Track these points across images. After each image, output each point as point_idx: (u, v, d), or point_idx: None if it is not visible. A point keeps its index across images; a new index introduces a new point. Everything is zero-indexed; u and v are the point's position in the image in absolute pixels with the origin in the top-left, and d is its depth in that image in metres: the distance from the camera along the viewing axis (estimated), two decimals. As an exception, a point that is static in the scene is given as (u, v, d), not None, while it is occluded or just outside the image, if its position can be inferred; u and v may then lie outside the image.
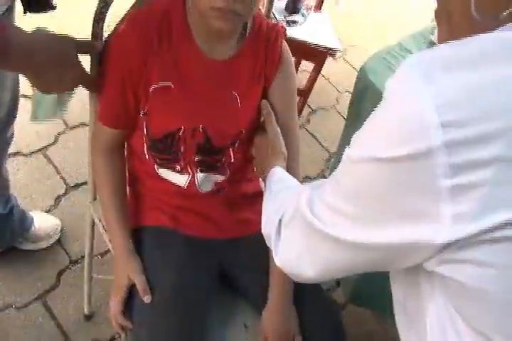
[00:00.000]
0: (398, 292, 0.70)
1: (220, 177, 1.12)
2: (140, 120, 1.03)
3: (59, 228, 1.70)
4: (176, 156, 1.06)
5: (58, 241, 1.70)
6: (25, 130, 1.93)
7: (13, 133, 1.32)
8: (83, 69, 0.91)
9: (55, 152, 1.93)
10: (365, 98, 1.45)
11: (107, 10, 0.93)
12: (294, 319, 1.07)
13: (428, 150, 0.49)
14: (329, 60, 2.31)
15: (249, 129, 1.08)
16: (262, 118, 1.08)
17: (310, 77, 2.33)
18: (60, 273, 1.64)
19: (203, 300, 1.05)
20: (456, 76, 0.50)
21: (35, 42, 0.81)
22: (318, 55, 2.19)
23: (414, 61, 0.53)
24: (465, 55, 0.52)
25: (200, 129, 1.03)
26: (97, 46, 0.96)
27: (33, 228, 1.60)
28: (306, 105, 2.52)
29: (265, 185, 0.96)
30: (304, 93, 2.35)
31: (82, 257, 1.67)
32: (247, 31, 1.01)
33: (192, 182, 1.10)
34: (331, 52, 2.16)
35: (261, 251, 1.04)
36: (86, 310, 1.55)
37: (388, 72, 1.41)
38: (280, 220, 0.75)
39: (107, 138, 1.05)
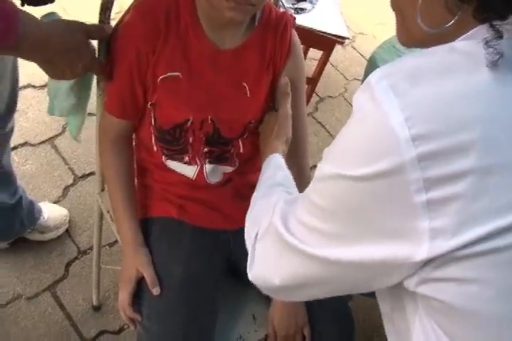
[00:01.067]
0: (384, 305, 0.68)
1: (228, 168, 1.11)
2: (148, 111, 1.02)
3: (67, 219, 1.70)
4: (185, 147, 1.05)
5: (67, 231, 1.70)
6: (34, 120, 1.93)
7: (13, 127, 1.31)
8: (94, 55, 0.91)
9: (63, 142, 1.92)
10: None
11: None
12: (303, 310, 1.06)
13: (400, 166, 0.48)
14: (337, 47, 2.27)
15: (258, 119, 1.07)
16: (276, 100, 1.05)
17: (318, 65, 2.29)
18: (68, 264, 1.64)
19: (212, 291, 1.05)
20: (423, 88, 0.49)
21: (45, 29, 0.80)
22: (326, 43, 2.15)
23: (380, 75, 0.52)
24: (429, 66, 0.51)
25: (209, 120, 1.02)
26: (107, 29, 0.94)
27: (41, 218, 1.60)
28: (314, 93, 2.49)
29: (260, 173, 0.94)
30: (312, 81, 2.31)
31: (91, 248, 1.68)
32: (256, 20, 0.99)
33: (200, 173, 1.09)
34: (339, 40, 2.13)
35: None
36: (94, 301, 1.56)
37: (395, 60, 1.39)
38: (256, 235, 0.73)
39: (115, 128, 1.04)
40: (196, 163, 1.08)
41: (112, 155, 1.06)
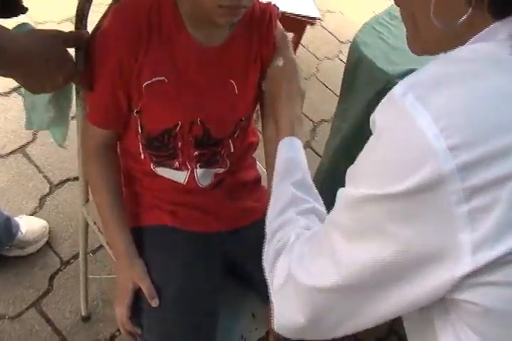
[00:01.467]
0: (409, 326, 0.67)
1: (219, 170, 1.09)
2: (133, 119, 0.98)
3: (47, 230, 1.64)
4: (174, 152, 1.01)
5: (47, 243, 1.64)
6: (1, 130, 1.84)
7: None
8: (74, 64, 0.86)
9: (35, 150, 1.84)
10: (358, 72, 1.41)
11: (90, 4, 0.86)
12: None
13: (440, 178, 0.46)
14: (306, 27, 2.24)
15: (247, 116, 1.05)
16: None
17: (290, 47, 2.27)
18: (52, 277, 1.59)
19: (211, 297, 1.02)
20: (452, 95, 0.47)
21: (22, 42, 0.75)
22: (297, 24, 2.13)
23: (403, 88, 0.50)
24: (452, 72, 0.50)
25: (199, 122, 0.98)
26: (85, 35, 0.89)
27: (19, 234, 1.53)
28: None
29: (277, 162, 0.86)
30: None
31: (74, 257, 1.63)
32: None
33: (191, 178, 1.06)
34: (310, 21, 2.11)
35: (263, 237, 1.03)
36: (83, 311, 1.51)
37: (380, 42, 1.39)
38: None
39: (99, 139, 0.99)
40: (187, 168, 1.04)
41: (98, 166, 1.01)
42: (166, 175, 1.05)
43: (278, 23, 1.02)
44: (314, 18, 2.10)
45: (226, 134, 1.03)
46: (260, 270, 1.09)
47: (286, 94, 0.93)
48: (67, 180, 1.79)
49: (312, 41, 2.79)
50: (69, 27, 2.26)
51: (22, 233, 1.54)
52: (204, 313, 0.99)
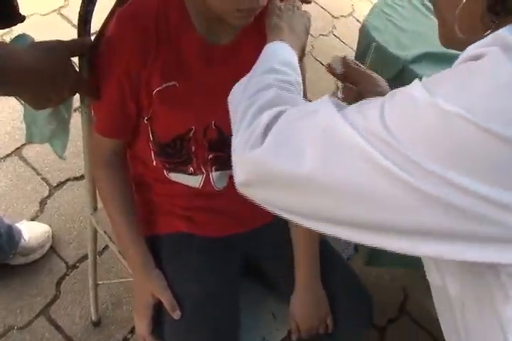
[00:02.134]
0: (451, 287, 0.59)
1: None
2: (143, 126, 0.93)
3: (50, 235, 1.59)
4: (188, 158, 0.98)
5: (51, 247, 1.59)
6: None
7: None
8: (79, 75, 0.81)
9: (31, 151, 1.77)
10: (368, 56, 1.38)
11: (93, 8, 0.80)
12: (324, 300, 1.04)
13: None
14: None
15: None
16: None
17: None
18: (58, 282, 1.54)
19: (232, 301, 1.01)
20: None
21: (25, 58, 0.69)
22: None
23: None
24: None
25: (213, 126, 0.94)
26: (88, 42, 0.84)
27: (22, 241, 1.48)
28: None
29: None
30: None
31: (79, 261, 1.59)
32: None
33: (207, 182, 1.02)
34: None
35: (283, 237, 1.04)
36: (93, 316, 1.48)
37: (390, 26, 1.36)
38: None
39: (108, 149, 0.95)
40: (202, 172, 1.01)
41: (107, 175, 0.98)
42: (180, 181, 1.02)
43: None
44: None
45: None
46: (280, 270, 1.08)
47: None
48: (67, 180, 1.74)
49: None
50: (55, 18, 2.18)
51: (25, 240, 1.49)
52: (226, 318, 0.98)
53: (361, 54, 1.43)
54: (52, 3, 2.21)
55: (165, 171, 1.00)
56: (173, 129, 0.93)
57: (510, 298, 0.51)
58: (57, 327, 1.46)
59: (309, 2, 0.91)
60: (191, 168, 0.99)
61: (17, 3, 0.94)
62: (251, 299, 1.10)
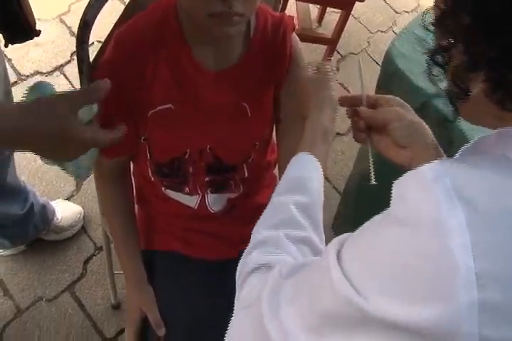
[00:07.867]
0: None
1: (232, 195, 1.03)
2: (142, 145, 0.93)
3: (81, 216, 1.67)
4: (185, 179, 0.97)
5: (82, 227, 1.68)
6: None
7: None
8: (93, 132, 0.70)
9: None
10: (392, 85, 1.24)
11: (89, 30, 0.79)
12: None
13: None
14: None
15: (262, 141, 0.97)
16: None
17: (337, 24, 2.07)
18: (86, 262, 1.63)
19: (223, 329, 1.00)
20: None
21: (12, 118, 0.62)
22: (345, 0, 1.95)
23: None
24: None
25: (208, 150, 0.93)
26: (95, 89, 0.70)
27: (55, 219, 1.57)
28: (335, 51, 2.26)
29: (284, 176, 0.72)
30: (331, 42, 2.12)
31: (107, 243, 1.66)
32: (251, 32, 0.87)
33: (202, 203, 1.02)
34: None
35: None
36: (113, 300, 1.56)
37: (416, 54, 1.19)
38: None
39: (110, 166, 0.96)
40: (198, 193, 1.00)
41: (112, 193, 1.00)
42: (177, 198, 1.02)
43: (294, 36, 0.91)
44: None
45: (239, 160, 0.97)
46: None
47: (315, 102, 0.79)
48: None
49: (364, 12, 2.53)
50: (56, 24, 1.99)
51: (58, 219, 1.58)
52: None
53: (383, 83, 1.27)
54: (54, 9, 2.04)
55: (162, 188, 1.00)
56: (168, 151, 0.92)
57: None
58: (81, 305, 1.56)
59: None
60: (187, 188, 0.99)
61: (33, 18, 0.94)
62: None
